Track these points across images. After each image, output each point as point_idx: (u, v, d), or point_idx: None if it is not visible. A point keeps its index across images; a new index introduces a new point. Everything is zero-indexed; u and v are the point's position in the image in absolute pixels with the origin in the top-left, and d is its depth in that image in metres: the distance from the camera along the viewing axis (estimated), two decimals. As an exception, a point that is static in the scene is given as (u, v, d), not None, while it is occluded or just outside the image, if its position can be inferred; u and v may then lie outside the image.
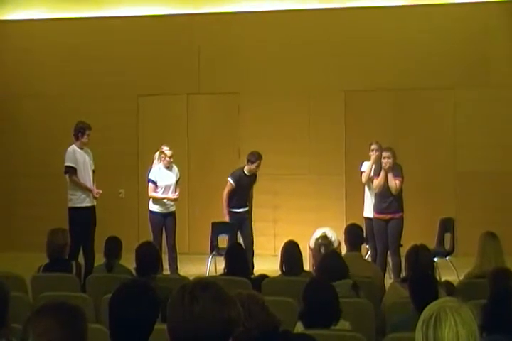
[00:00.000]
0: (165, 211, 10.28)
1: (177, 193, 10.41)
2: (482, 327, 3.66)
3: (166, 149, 10.31)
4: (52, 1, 13.44)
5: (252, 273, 8.27)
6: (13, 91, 13.53)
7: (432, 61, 12.28)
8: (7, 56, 13.61)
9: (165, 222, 10.27)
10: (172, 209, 10.36)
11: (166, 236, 10.27)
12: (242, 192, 10.28)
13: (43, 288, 6.44)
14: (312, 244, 9.19)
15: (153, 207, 10.31)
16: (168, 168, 10.36)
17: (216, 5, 12.94)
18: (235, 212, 10.27)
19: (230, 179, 10.29)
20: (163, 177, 10.32)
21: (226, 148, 12.94)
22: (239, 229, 10.30)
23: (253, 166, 10.24)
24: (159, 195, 10.28)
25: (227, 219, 10.29)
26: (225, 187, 10.29)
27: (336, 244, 9.20)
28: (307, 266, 8.31)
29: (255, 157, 10.22)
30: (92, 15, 13.24)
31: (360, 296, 5.90)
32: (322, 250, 8.82)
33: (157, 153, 10.40)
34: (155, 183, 10.28)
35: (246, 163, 10.28)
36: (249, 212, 10.47)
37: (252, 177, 10.39)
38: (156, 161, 10.40)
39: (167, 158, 10.29)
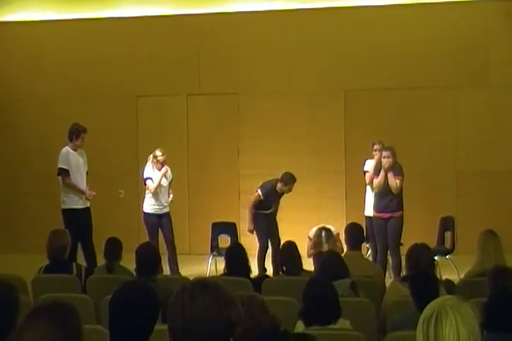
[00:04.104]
0: (159, 212, 10.27)
1: (171, 196, 10.43)
2: (483, 326, 3.67)
3: (159, 154, 10.27)
4: (50, 3, 13.43)
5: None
6: (11, 94, 13.52)
7: (432, 61, 12.28)
8: (5, 59, 13.60)
9: (161, 222, 10.27)
10: (166, 210, 10.35)
11: (164, 236, 10.27)
12: (266, 202, 10.29)
13: (43, 289, 6.44)
14: (312, 234, 9.20)
15: (147, 209, 10.30)
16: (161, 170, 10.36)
17: (215, 5, 12.93)
18: (263, 214, 10.28)
19: (259, 191, 10.22)
20: (156, 178, 10.31)
21: (226, 149, 12.94)
22: (268, 231, 10.32)
23: (285, 188, 10.19)
24: (147, 200, 10.27)
25: (251, 226, 10.26)
26: (253, 197, 10.26)
27: (334, 234, 9.22)
28: (306, 264, 8.28)
29: (290, 180, 10.15)
30: (90, 17, 13.23)
31: (359, 295, 5.90)
32: (323, 239, 8.86)
33: (151, 156, 10.37)
34: (152, 179, 10.27)
35: (279, 180, 10.19)
36: (273, 215, 10.45)
37: (280, 193, 10.36)
38: (148, 163, 10.37)
39: (159, 164, 10.28)
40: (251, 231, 10.28)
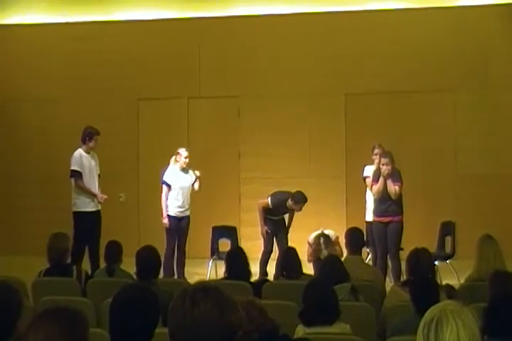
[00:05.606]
0: (180, 215, 10.25)
1: (198, 177, 10.35)
2: (483, 330, 3.66)
3: (182, 150, 10.25)
4: (51, 6, 13.44)
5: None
6: (12, 96, 13.52)
7: (431, 64, 12.30)
8: (6, 60, 13.61)
9: (179, 225, 10.24)
10: (187, 213, 10.33)
11: (178, 240, 10.24)
12: (274, 211, 10.28)
13: (43, 292, 6.43)
14: (311, 239, 9.22)
15: (169, 211, 10.25)
16: (184, 169, 10.30)
17: (216, 9, 12.95)
18: (271, 220, 10.28)
19: (269, 200, 10.22)
20: (178, 179, 10.22)
21: (226, 152, 12.94)
22: (274, 237, 10.31)
23: (295, 206, 10.15)
24: (169, 202, 10.19)
25: (262, 230, 10.27)
26: (262, 203, 10.26)
27: (333, 238, 9.25)
28: (306, 269, 8.30)
29: (301, 200, 10.09)
30: (92, 20, 13.24)
31: (359, 300, 5.90)
32: (322, 246, 8.88)
33: (173, 157, 10.33)
34: (169, 186, 10.22)
35: (291, 197, 10.14)
36: (283, 221, 10.43)
37: (291, 210, 10.32)
38: (171, 164, 10.32)
39: (183, 158, 10.20)
40: (263, 235, 10.30)
